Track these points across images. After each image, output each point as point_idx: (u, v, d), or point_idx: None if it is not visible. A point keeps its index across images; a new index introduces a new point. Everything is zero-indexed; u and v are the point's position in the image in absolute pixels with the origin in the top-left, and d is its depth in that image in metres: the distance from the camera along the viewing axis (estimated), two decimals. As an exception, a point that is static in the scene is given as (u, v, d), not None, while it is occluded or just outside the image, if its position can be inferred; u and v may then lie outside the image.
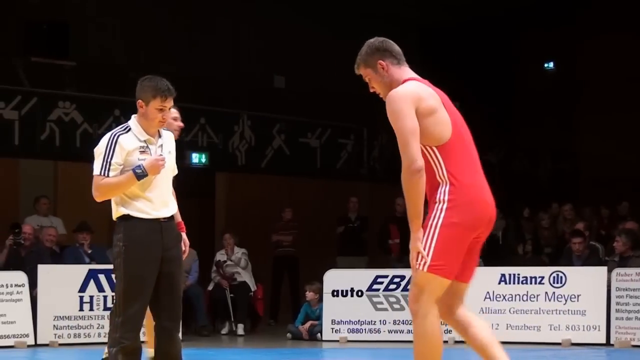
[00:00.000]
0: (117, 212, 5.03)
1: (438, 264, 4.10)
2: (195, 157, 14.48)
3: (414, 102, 4.16)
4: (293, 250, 13.68)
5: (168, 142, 5.18)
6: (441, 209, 4.15)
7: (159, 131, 5.15)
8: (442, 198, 4.16)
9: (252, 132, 15.24)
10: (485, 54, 17.05)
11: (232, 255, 12.30)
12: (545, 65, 17.75)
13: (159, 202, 5.02)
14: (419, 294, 4.13)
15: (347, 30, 15.88)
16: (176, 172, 5.27)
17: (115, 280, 5.11)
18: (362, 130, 16.46)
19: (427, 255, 4.12)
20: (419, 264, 4.12)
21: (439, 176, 4.18)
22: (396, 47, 4.35)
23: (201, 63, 14.73)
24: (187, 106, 14.35)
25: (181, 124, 6.52)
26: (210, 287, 12.31)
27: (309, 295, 11.31)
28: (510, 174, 17.57)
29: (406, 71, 4.32)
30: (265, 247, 13.49)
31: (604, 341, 10.11)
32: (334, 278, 10.99)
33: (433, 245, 4.12)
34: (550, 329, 10.29)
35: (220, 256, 12.39)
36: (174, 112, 6.39)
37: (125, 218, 4.97)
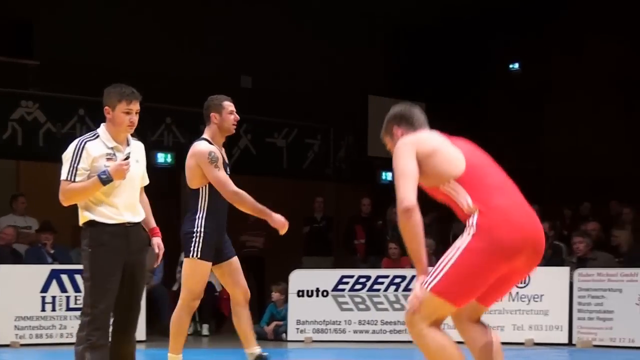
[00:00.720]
0: (82, 217, 5.18)
1: (444, 288, 3.85)
2: (161, 157, 14.42)
3: (414, 145, 4.08)
4: (259, 251, 13.67)
5: (137, 151, 5.37)
6: (468, 234, 3.91)
7: (127, 140, 5.30)
8: (471, 223, 3.92)
9: (219, 132, 15.18)
10: (453, 54, 17.14)
11: (197, 255, 12.25)
12: (511, 66, 17.86)
13: (123, 207, 5.18)
14: (413, 312, 3.91)
15: (316, 30, 15.92)
16: (147, 181, 5.41)
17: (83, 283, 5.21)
18: (329, 130, 16.48)
19: (436, 276, 3.88)
20: (426, 282, 3.89)
21: (468, 208, 3.95)
22: (417, 115, 4.26)
23: (167, 62, 14.66)
24: (153, 106, 14.38)
25: (237, 117, 6.62)
26: (175, 287, 12.26)
27: (275, 295, 11.31)
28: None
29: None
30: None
31: (566, 341, 10.21)
32: (300, 278, 11.00)
33: (447, 268, 3.88)
34: (514, 329, 10.36)
35: (186, 256, 12.34)
36: (230, 106, 6.54)
37: (91, 224, 5.13)
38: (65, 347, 10.01)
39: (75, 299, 10.37)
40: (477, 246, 3.86)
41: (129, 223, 5.19)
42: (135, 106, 5.35)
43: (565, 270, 10.58)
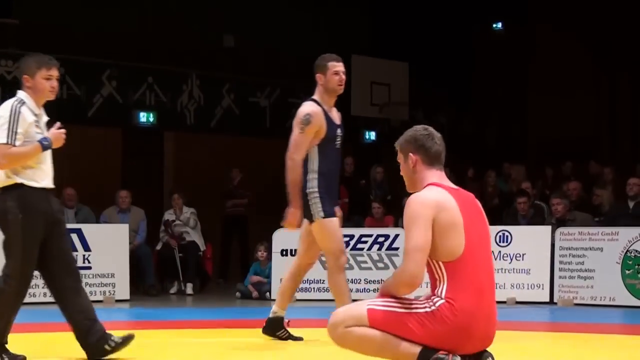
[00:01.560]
0: (7, 180, 5.26)
1: (377, 318, 3.96)
2: (143, 117, 14.35)
3: (434, 211, 3.94)
4: (242, 210, 13.69)
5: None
6: (429, 306, 3.95)
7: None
8: (434, 302, 3.95)
9: (201, 91, 15.13)
10: (436, 14, 17.06)
11: (180, 215, 12.26)
12: (494, 25, 17.81)
13: (46, 173, 5.34)
14: (340, 321, 4.02)
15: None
16: None
17: (5, 244, 5.34)
18: (312, 90, 16.39)
19: (383, 305, 3.97)
20: (372, 301, 4.02)
21: (438, 292, 3.97)
22: (436, 147, 4.09)
23: (149, 22, 14.53)
24: (134, 65, 14.31)
25: (342, 77, 6.42)
26: (158, 247, 12.28)
27: (259, 254, 11.34)
28: (460, 135, 17.71)
29: (434, 175, 4.09)
30: (214, 206, 13.46)
31: (547, 300, 10.30)
32: (283, 237, 11.01)
33: (394, 308, 3.96)
34: (496, 288, 10.41)
35: (169, 216, 12.35)
36: (335, 66, 6.34)
37: (17, 186, 5.23)
38: (47, 306, 10.01)
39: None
40: (427, 323, 3.94)
41: (49, 188, 5.35)
42: (55, 72, 5.52)
43: (547, 229, 10.64)
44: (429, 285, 4.08)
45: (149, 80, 14.52)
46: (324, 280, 10.90)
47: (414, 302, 4.02)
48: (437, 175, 4.09)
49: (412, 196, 4.03)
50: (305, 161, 6.27)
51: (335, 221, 6.22)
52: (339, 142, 6.35)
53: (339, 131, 6.36)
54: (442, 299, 3.95)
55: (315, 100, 6.34)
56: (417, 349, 3.93)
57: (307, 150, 6.24)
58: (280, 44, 15.54)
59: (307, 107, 6.27)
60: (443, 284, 3.97)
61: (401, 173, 4.18)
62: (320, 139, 6.23)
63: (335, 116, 6.41)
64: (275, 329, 6.41)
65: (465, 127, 18.11)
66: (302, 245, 6.47)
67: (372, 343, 3.97)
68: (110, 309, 10.01)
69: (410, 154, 4.11)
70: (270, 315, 6.47)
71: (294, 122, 6.32)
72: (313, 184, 6.21)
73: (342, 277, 6.21)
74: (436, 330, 3.93)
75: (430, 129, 4.16)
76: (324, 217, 6.16)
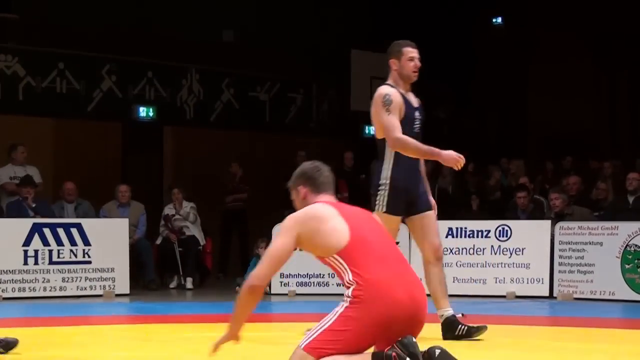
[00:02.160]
0: None
1: (316, 347, 4.03)
2: (143, 111, 14.35)
3: (298, 225, 4.22)
4: (242, 204, 13.69)
5: None
6: (345, 302, 4.08)
7: None
8: (348, 294, 4.08)
9: (201, 86, 15.13)
10: (436, 9, 17.04)
11: (180, 209, 12.27)
12: (494, 20, 17.80)
13: None
14: None
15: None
16: None
17: None
18: (311, 85, 16.42)
19: (311, 336, 4.07)
20: (302, 341, 4.08)
21: (347, 281, 4.12)
22: (322, 177, 4.37)
23: (149, 17, 14.52)
24: (134, 60, 14.30)
25: (417, 64, 6.15)
26: (158, 241, 12.28)
27: (261, 249, 11.33)
28: (460, 130, 17.70)
29: (322, 199, 4.34)
30: (214, 201, 13.47)
31: (547, 294, 10.30)
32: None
33: (322, 329, 4.07)
34: (496, 282, 10.45)
35: (169, 210, 12.35)
36: (410, 52, 6.16)
37: None
38: (48, 300, 10.03)
39: (58, 253, 10.37)
40: (352, 315, 4.03)
41: None
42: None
43: (547, 223, 10.64)
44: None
45: (149, 74, 14.51)
46: (324, 275, 10.91)
47: (332, 312, 4.11)
48: (326, 198, 4.35)
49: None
50: (381, 149, 6.04)
51: (395, 220, 5.96)
52: (417, 126, 6.06)
53: (417, 114, 6.08)
54: (351, 284, 4.07)
55: (390, 85, 6.08)
56: (367, 358, 4.02)
57: (383, 135, 5.95)
58: (279, 38, 15.52)
59: (383, 89, 6.00)
60: (347, 273, 4.09)
61: (296, 207, 4.43)
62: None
63: (413, 100, 6.14)
64: (453, 329, 5.98)
65: (465, 122, 18.11)
66: (416, 242, 6.23)
67: None
68: (110, 304, 10.02)
69: (300, 187, 4.41)
70: (441, 320, 6.07)
71: (373, 110, 6.02)
72: (387, 175, 5.99)
73: None
74: (364, 315, 4.01)
75: (318, 162, 4.45)
76: (384, 213, 5.90)
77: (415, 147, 5.86)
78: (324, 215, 4.22)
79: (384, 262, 4.14)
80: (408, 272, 4.21)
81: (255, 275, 4.20)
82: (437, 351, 4.02)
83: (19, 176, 11.23)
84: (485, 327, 6.01)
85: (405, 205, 6.01)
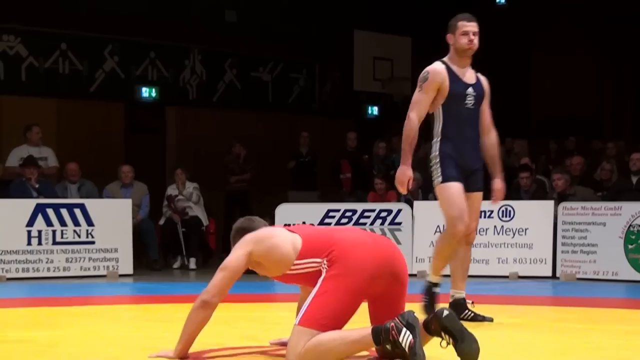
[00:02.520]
0: None
1: (310, 318, 4.09)
2: (146, 92, 14.33)
3: (253, 242, 4.35)
4: (245, 185, 13.69)
5: None
6: (321, 275, 4.19)
7: None
8: (322, 266, 4.20)
9: (203, 66, 15.10)
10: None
11: (183, 189, 12.27)
12: (497, 0, 17.72)
13: None
14: (295, 350, 4.09)
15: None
16: None
17: None
18: (314, 65, 16.38)
19: (303, 310, 4.14)
20: (296, 319, 4.16)
21: (317, 265, 4.22)
22: (255, 224, 4.56)
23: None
24: (136, 40, 14.27)
25: (472, 38, 5.96)
26: (161, 222, 12.29)
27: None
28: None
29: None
30: (217, 181, 13.47)
31: (550, 274, 10.31)
32: (286, 212, 11.02)
33: (310, 300, 4.14)
34: (498, 262, 10.46)
35: (172, 190, 12.36)
36: (465, 26, 5.98)
37: None
38: (52, 280, 10.06)
39: (62, 233, 10.38)
40: (332, 274, 4.14)
41: None
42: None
43: (550, 204, 10.64)
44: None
45: (151, 55, 14.49)
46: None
47: (316, 285, 4.19)
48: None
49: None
50: (432, 124, 5.88)
51: (455, 186, 5.74)
52: (470, 102, 5.87)
53: (469, 90, 5.89)
54: (323, 260, 4.20)
55: (442, 60, 5.97)
56: (368, 331, 4.07)
57: (427, 110, 5.82)
58: (282, 19, 15.47)
59: (429, 66, 5.91)
60: (314, 262, 4.22)
61: None
62: (444, 98, 5.82)
63: (469, 76, 5.96)
64: (460, 312, 5.91)
65: (468, 102, 18.06)
66: None
67: (331, 351, 4.06)
68: (114, 284, 10.04)
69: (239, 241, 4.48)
70: (450, 300, 6.05)
71: None
72: (435, 148, 5.84)
73: (449, 244, 5.81)
74: (343, 271, 4.13)
75: (247, 217, 4.68)
76: (441, 182, 5.75)
77: (404, 136, 5.74)
78: (272, 232, 4.40)
79: (345, 231, 4.35)
80: (373, 234, 4.42)
81: (208, 290, 4.31)
82: (446, 312, 4.08)
83: (36, 157, 11.21)
84: (491, 319, 6.03)
85: (460, 175, 5.81)
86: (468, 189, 5.86)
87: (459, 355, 4.02)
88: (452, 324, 4.02)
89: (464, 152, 5.84)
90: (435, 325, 4.05)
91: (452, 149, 5.79)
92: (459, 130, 5.83)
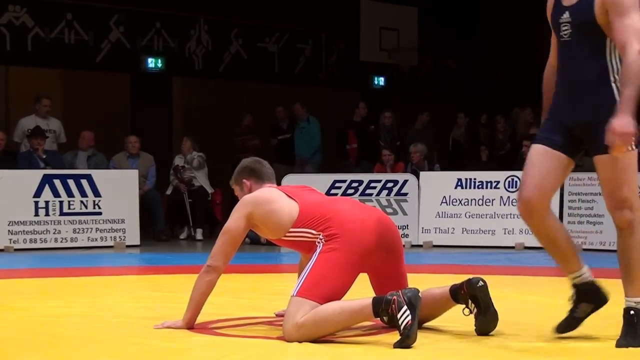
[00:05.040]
0: None
1: (307, 290, 4.11)
2: (152, 62, 14.30)
3: (250, 205, 4.40)
4: (254, 152, 13.67)
5: None
6: (318, 243, 4.23)
7: None
8: (319, 240, 4.24)
9: (209, 36, 15.05)
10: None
11: (187, 156, 12.26)
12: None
13: None
14: (293, 320, 4.08)
15: None
16: None
17: None
18: (321, 35, 16.32)
19: (299, 283, 4.16)
20: (294, 290, 4.18)
21: (313, 236, 4.27)
22: (265, 169, 4.67)
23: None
24: (142, 10, 14.21)
25: None
26: (168, 192, 12.31)
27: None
28: (470, 80, 17.61)
29: (266, 186, 4.59)
30: (223, 151, 13.47)
31: (556, 244, 10.30)
32: (293, 182, 11.02)
33: (307, 273, 4.17)
34: (504, 233, 10.46)
35: (179, 160, 12.36)
36: None
37: None
38: (59, 251, 10.10)
39: (69, 204, 10.41)
40: (329, 247, 4.19)
41: None
42: None
43: (556, 174, 10.60)
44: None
45: (157, 25, 14.44)
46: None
47: (313, 257, 4.23)
48: (271, 185, 4.60)
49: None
50: None
51: (535, 149, 4.38)
52: (565, 31, 4.24)
53: (565, 15, 4.19)
54: (319, 233, 4.25)
55: None
56: (368, 301, 4.07)
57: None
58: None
59: None
60: (310, 233, 4.27)
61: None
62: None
63: None
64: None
65: (475, 72, 18.00)
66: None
67: (330, 321, 4.07)
68: (121, 255, 10.08)
69: (244, 180, 4.63)
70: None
71: None
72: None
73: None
74: (341, 246, 4.17)
75: (258, 158, 4.78)
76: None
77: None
78: (272, 197, 4.40)
79: (342, 204, 4.39)
80: (367, 206, 4.49)
81: (212, 255, 4.38)
82: (481, 282, 4.23)
83: (43, 129, 11.23)
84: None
85: (561, 137, 4.54)
86: (577, 152, 4.69)
87: (476, 325, 4.23)
88: (483, 295, 4.20)
89: (564, 98, 4.60)
90: (466, 291, 4.22)
91: (553, 96, 4.63)
92: (559, 71, 4.65)
